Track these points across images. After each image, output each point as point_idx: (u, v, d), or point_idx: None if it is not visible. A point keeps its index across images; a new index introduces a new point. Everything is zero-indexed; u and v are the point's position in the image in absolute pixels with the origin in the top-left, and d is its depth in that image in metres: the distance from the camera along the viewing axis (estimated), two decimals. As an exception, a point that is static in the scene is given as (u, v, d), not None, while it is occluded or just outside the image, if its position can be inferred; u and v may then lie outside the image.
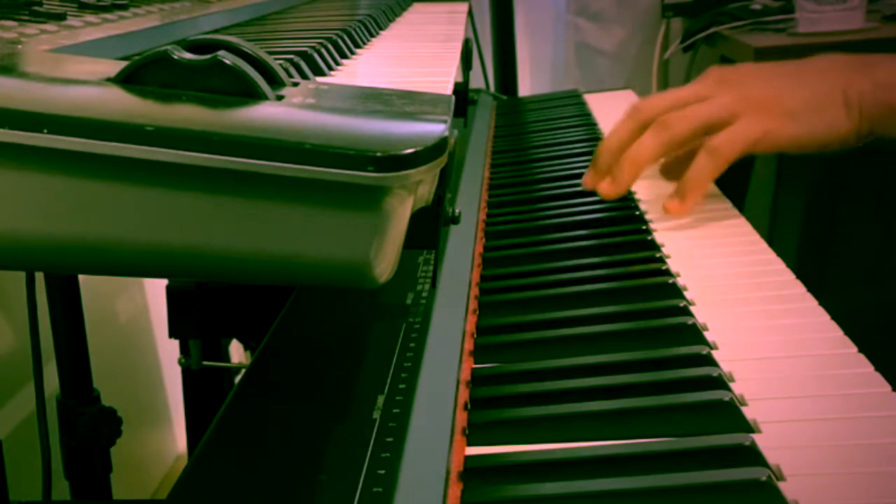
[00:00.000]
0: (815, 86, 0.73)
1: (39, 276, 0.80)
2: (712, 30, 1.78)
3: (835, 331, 0.54)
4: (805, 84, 0.73)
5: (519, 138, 1.08)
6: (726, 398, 0.46)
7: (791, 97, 0.72)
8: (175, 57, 0.33)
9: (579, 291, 0.61)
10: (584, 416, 0.46)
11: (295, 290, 0.64)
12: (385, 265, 0.31)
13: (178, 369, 0.94)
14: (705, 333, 0.54)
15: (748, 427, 0.44)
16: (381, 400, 0.47)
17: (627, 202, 0.77)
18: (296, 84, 0.37)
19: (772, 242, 0.69)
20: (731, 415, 0.45)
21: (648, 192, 0.82)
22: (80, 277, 0.83)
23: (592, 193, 0.80)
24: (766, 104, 0.72)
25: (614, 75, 2.07)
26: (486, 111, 1.21)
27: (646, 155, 0.74)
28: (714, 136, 0.72)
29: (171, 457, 1.50)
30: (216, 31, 0.63)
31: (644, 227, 0.72)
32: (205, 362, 0.89)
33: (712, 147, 0.72)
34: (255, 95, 0.33)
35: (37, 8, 0.50)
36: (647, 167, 0.76)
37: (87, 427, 0.81)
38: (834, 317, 0.55)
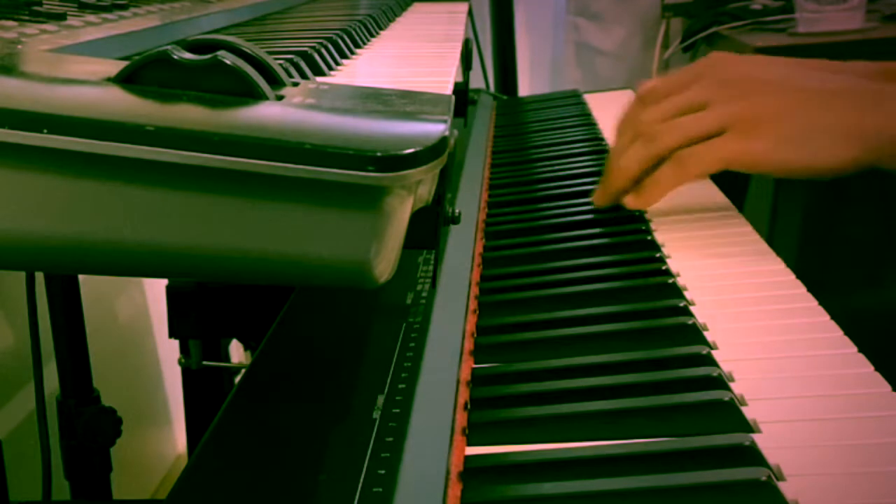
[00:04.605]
0: (824, 112, 0.68)
1: (39, 276, 0.80)
2: (712, 30, 1.78)
3: (835, 331, 0.54)
4: (813, 107, 0.68)
5: (519, 138, 1.08)
6: (726, 398, 0.45)
7: (793, 122, 0.68)
8: (175, 57, 0.33)
9: (579, 291, 0.61)
10: (584, 416, 0.46)
11: (295, 290, 0.64)
12: (385, 265, 0.31)
13: (178, 369, 0.94)
14: (705, 333, 0.54)
15: (748, 427, 0.44)
16: (381, 400, 0.47)
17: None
18: (296, 84, 0.37)
19: (772, 242, 0.69)
20: (730, 415, 0.45)
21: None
22: (80, 277, 0.83)
23: (592, 193, 0.80)
24: (763, 125, 0.68)
25: (614, 75, 2.07)
26: (486, 111, 1.21)
27: (632, 169, 0.72)
28: (689, 147, 0.69)
29: (171, 457, 1.50)
30: (216, 31, 0.63)
31: (644, 227, 0.72)
32: (205, 362, 0.90)
33: (681, 159, 0.69)
34: (255, 95, 0.33)
35: (37, 8, 0.50)
36: (635, 177, 0.73)
37: (87, 427, 0.81)
38: (834, 317, 0.55)
